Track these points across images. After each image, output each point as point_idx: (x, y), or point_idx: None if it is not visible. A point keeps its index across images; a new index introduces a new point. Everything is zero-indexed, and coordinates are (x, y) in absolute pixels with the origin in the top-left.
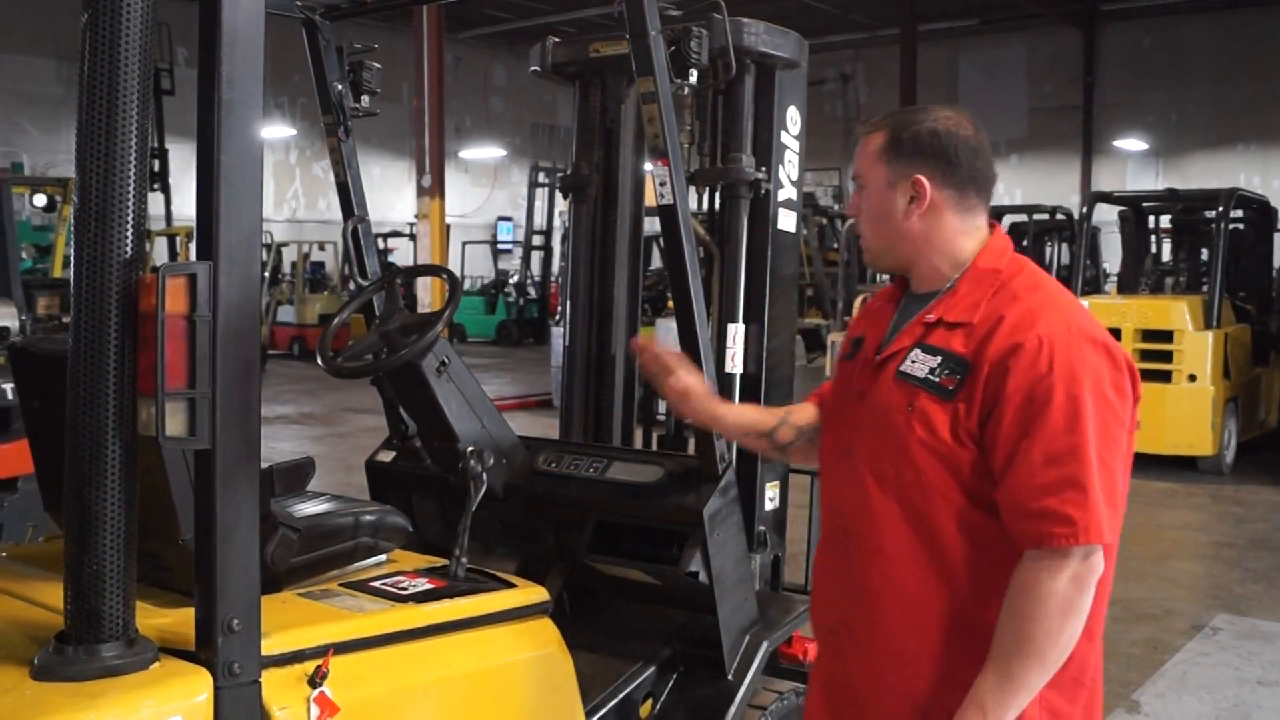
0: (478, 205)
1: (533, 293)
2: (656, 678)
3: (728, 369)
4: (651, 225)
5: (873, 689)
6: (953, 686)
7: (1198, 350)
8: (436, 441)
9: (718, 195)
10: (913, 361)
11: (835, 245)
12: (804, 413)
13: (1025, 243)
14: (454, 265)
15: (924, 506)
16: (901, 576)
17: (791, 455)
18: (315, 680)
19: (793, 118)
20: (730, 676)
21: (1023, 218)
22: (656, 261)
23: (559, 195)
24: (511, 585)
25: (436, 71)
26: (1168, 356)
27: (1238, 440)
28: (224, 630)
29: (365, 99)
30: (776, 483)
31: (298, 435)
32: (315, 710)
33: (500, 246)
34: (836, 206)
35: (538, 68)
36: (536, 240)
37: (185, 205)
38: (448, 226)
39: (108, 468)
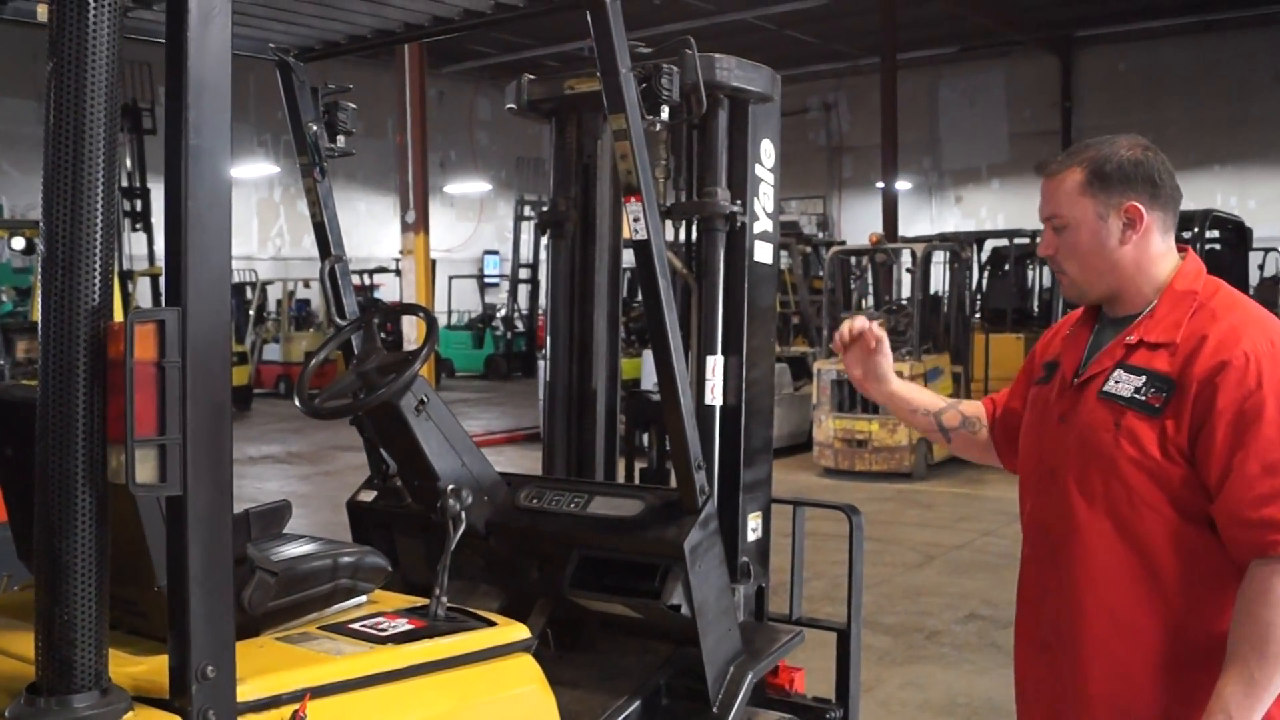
0: (464, 239)
1: (520, 326)
2: (642, 712)
3: (707, 401)
4: (631, 259)
5: (1093, 703)
6: (1170, 698)
7: None
8: (417, 480)
9: (694, 229)
10: (1116, 382)
11: (820, 274)
12: (972, 406)
13: (1007, 267)
14: (440, 300)
15: (1134, 522)
16: (1113, 591)
17: (954, 440)
18: None
19: (767, 150)
20: (716, 709)
21: (1004, 242)
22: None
23: None
24: (492, 624)
25: (419, 107)
26: None
27: None
28: (198, 677)
29: (341, 139)
30: (759, 513)
31: (284, 474)
32: None
33: (487, 280)
34: (821, 235)
35: (513, 105)
36: (523, 274)
37: None
38: (433, 261)
39: (78, 516)
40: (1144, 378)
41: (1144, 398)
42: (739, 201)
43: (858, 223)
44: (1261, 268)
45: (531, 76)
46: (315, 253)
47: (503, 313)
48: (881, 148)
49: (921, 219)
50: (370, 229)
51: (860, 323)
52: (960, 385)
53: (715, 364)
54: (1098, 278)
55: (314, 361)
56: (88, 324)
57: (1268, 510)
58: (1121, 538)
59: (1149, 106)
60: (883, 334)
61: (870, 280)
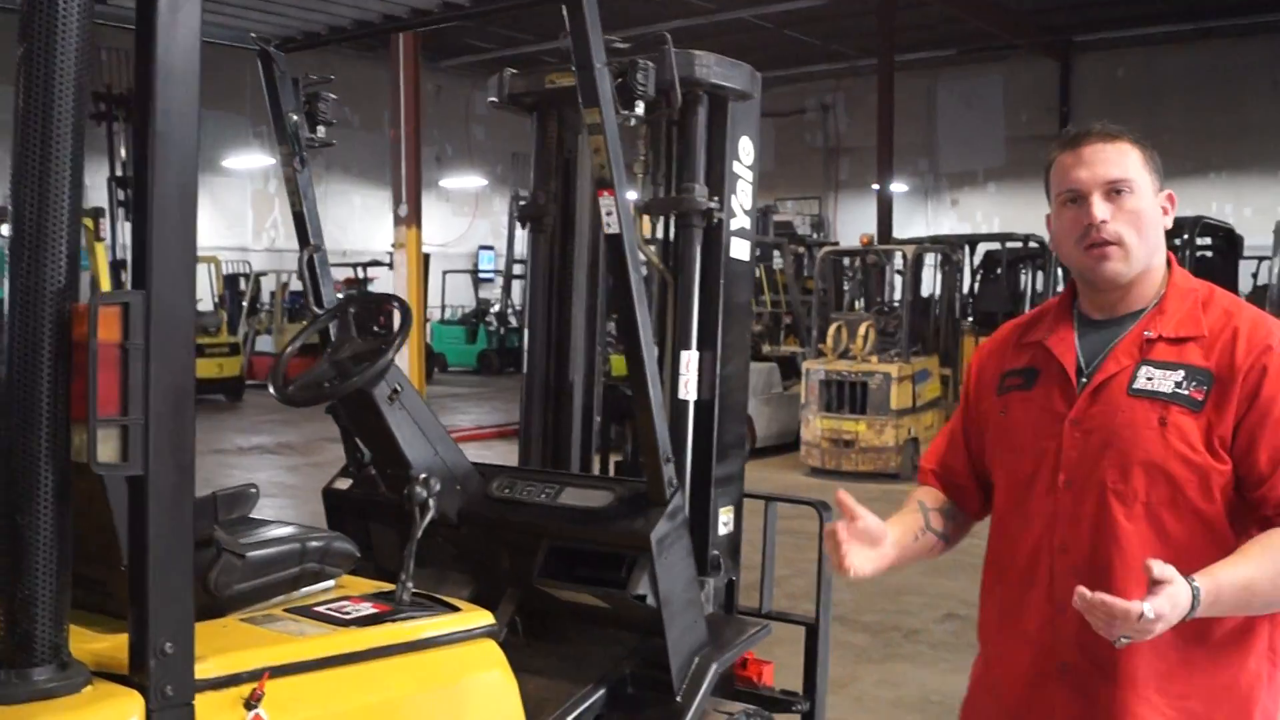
0: (459, 234)
1: (514, 321)
2: (607, 700)
3: (681, 395)
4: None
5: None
6: (1220, 701)
7: None
8: (390, 468)
9: (672, 224)
10: (1148, 379)
11: (812, 274)
12: (931, 496)
13: (999, 271)
14: (434, 294)
15: (1174, 526)
16: None
17: (951, 539)
18: (250, 703)
19: (745, 148)
20: (680, 698)
21: (996, 245)
22: None
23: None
24: (456, 610)
25: (413, 101)
26: None
27: None
28: (156, 654)
29: (321, 129)
30: (731, 508)
31: (273, 465)
32: None
33: (481, 275)
34: (817, 235)
35: (495, 99)
36: (517, 269)
37: None
38: (428, 256)
39: (40, 494)
40: (1182, 372)
41: (1187, 392)
42: (716, 198)
43: (854, 224)
44: (1255, 275)
45: (514, 70)
46: None
47: (496, 308)
48: (877, 150)
49: (917, 221)
50: (365, 222)
51: (836, 531)
52: (949, 387)
53: (690, 359)
54: (1149, 253)
55: (289, 349)
56: (53, 305)
57: None
58: (1161, 543)
59: (1147, 113)
60: (855, 512)
61: (862, 282)
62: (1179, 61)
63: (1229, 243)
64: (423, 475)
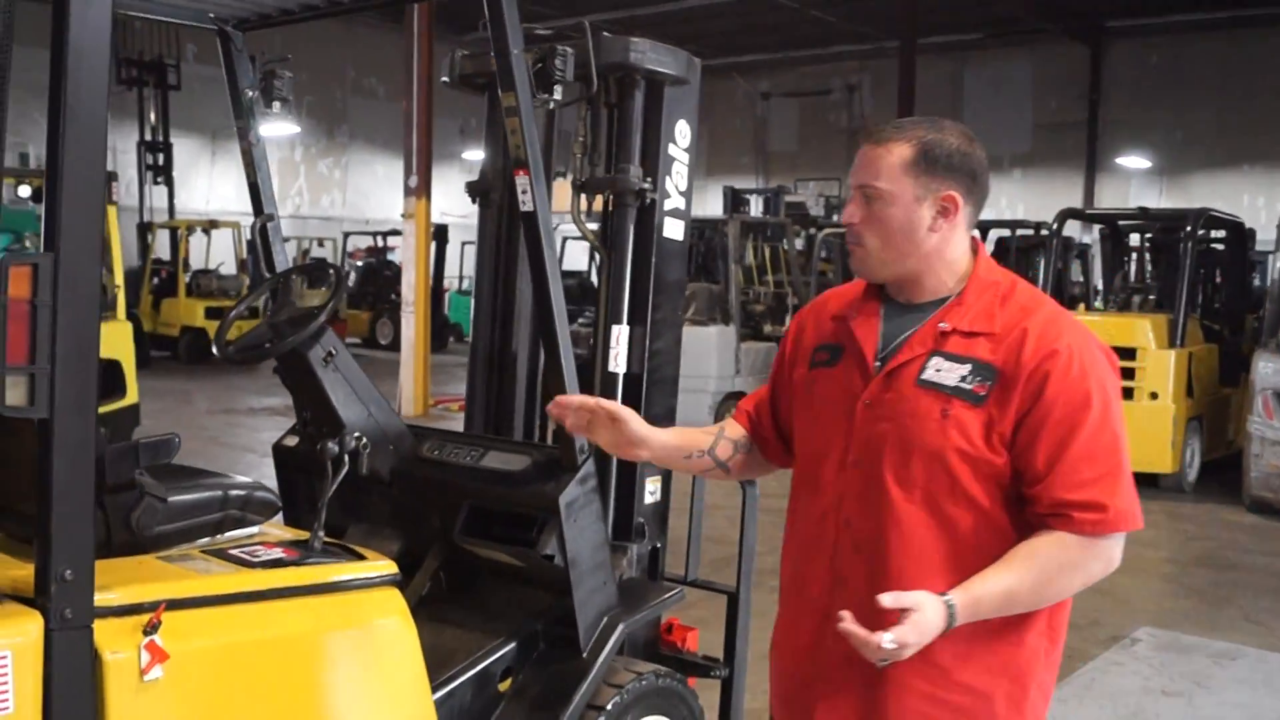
0: None
1: None
2: (517, 654)
3: (611, 368)
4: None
5: (905, 690)
6: (998, 676)
7: (1159, 369)
8: (325, 427)
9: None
10: (936, 370)
11: (825, 255)
12: (735, 429)
13: (1010, 258)
14: (452, 265)
15: (951, 513)
16: (926, 583)
17: (732, 468)
18: (146, 630)
19: (682, 131)
20: (585, 655)
21: (1007, 232)
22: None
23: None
24: (361, 558)
25: (426, 72)
26: (1130, 374)
27: (1202, 459)
28: (57, 580)
29: (277, 105)
30: (658, 477)
31: (280, 426)
32: (146, 656)
33: None
34: (836, 218)
35: (447, 79)
36: None
37: (191, 199)
38: (446, 226)
39: None
40: (969, 366)
41: (969, 386)
42: (649, 179)
43: None
44: (1254, 273)
45: (465, 52)
46: (333, 213)
47: None
48: None
49: None
50: (387, 192)
51: (578, 401)
52: None
53: (620, 333)
54: (898, 259)
55: (233, 312)
56: None
57: (1085, 494)
58: (940, 527)
59: (1178, 102)
60: (610, 404)
61: None
62: (1213, 50)
63: (1238, 236)
64: (342, 433)
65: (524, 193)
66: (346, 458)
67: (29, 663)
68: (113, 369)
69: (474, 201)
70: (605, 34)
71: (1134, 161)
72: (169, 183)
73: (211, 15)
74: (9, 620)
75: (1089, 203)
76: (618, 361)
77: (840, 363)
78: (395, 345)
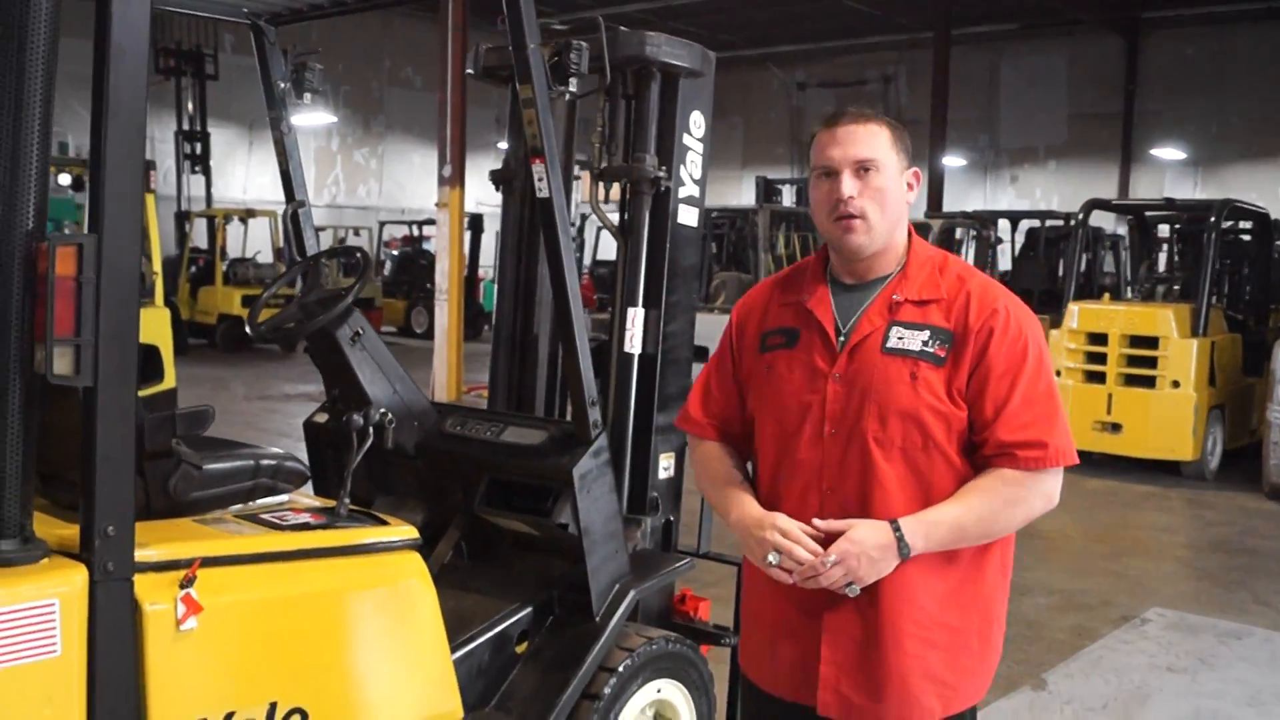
0: None
1: None
2: (533, 618)
3: (626, 349)
4: (577, 218)
5: (902, 638)
6: (969, 610)
7: (1181, 357)
8: (353, 404)
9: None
10: (899, 338)
11: None
12: (727, 452)
13: (1040, 248)
14: (487, 254)
15: (925, 465)
16: None
17: None
18: (183, 583)
19: (696, 121)
20: (597, 619)
21: (1036, 223)
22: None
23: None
24: (384, 523)
25: (459, 63)
26: (1152, 363)
27: (1224, 447)
28: (100, 535)
29: (308, 97)
30: (672, 454)
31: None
32: (182, 608)
33: None
34: None
35: (471, 70)
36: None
37: (228, 188)
38: (479, 216)
39: (9, 399)
40: (927, 332)
41: (932, 350)
42: (665, 168)
43: None
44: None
45: (489, 45)
46: (369, 202)
47: None
48: (930, 122)
49: (975, 196)
50: (422, 182)
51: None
52: None
53: (635, 315)
54: (891, 227)
55: (266, 294)
56: (22, 245)
57: (1027, 434)
58: (916, 480)
59: (1215, 93)
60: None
61: None
62: (1248, 42)
63: (1263, 227)
64: (367, 408)
65: (540, 180)
66: (371, 430)
67: (75, 611)
68: (150, 354)
69: (498, 189)
70: (622, 28)
71: (1169, 153)
72: (206, 172)
73: (245, 10)
74: (56, 572)
75: (1124, 194)
76: (633, 343)
77: (799, 344)
78: (430, 334)
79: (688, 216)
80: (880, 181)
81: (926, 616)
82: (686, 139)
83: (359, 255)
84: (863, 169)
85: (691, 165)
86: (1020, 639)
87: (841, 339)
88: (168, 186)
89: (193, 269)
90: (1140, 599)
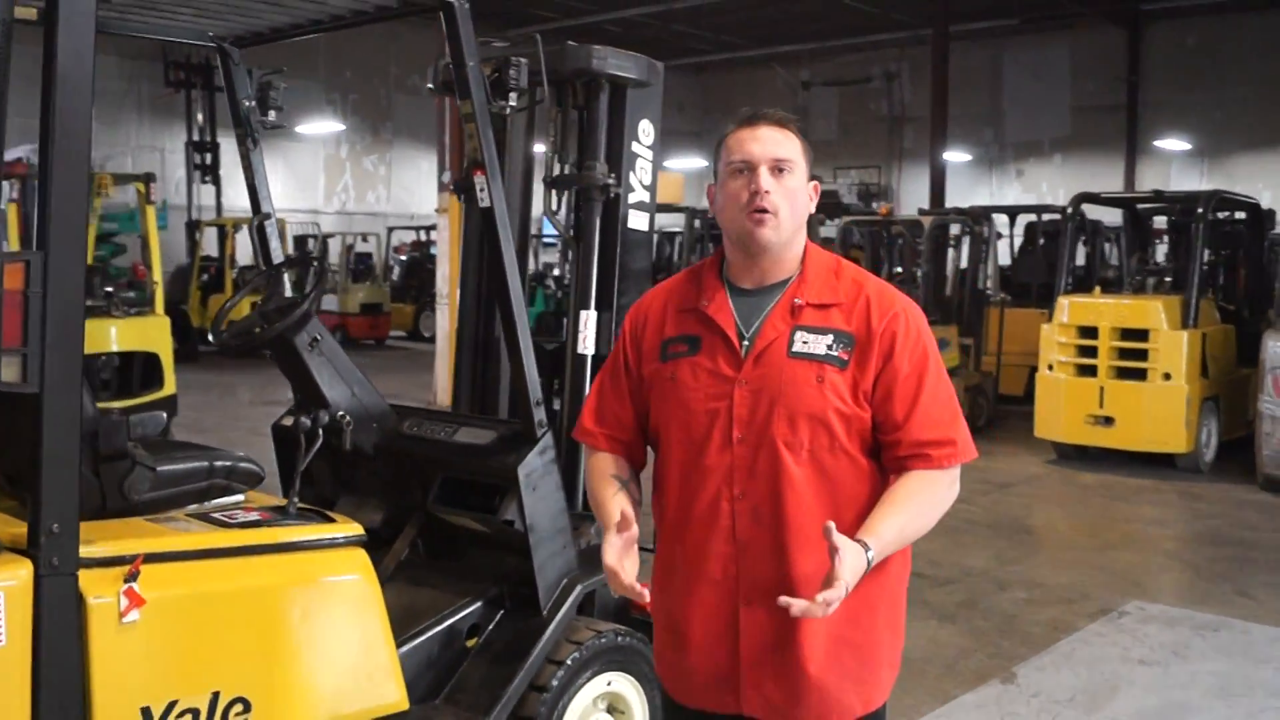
0: None
1: None
2: (483, 613)
3: (579, 350)
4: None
5: (823, 638)
6: (877, 603)
7: (1172, 349)
8: (313, 407)
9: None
10: (804, 342)
11: (856, 242)
12: (615, 463)
13: (1040, 242)
14: None
15: (832, 466)
16: (819, 531)
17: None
18: (127, 578)
19: (645, 129)
20: (545, 613)
21: (1033, 217)
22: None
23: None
24: (331, 520)
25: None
26: (1143, 355)
27: (1219, 439)
28: (46, 532)
29: (273, 114)
30: None
31: None
32: (125, 601)
33: (545, 240)
34: (875, 204)
35: (431, 85)
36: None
37: (238, 198)
38: None
39: None
40: (831, 335)
41: (836, 353)
42: (614, 174)
43: (917, 193)
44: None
45: (446, 60)
46: (378, 208)
47: (556, 272)
48: (932, 118)
49: (981, 191)
50: (430, 187)
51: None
52: (970, 356)
53: (588, 317)
54: (795, 229)
55: (230, 304)
56: None
57: (938, 433)
58: (824, 482)
59: (1217, 84)
60: (620, 548)
61: (901, 251)
62: (1251, 31)
63: (1256, 217)
64: (317, 410)
65: (481, 190)
66: (320, 432)
67: (20, 603)
68: (151, 362)
69: (459, 198)
70: (570, 43)
71: (1174, 144)
72: (216, 181)
73: (210, 35)
74: (3, 567)
75: (1130, 186)
76: (586, 344)
77: (702, 350)
78: None
79: (638, 221)
80: (793, 183)
81: (839, 615)
82: (635, 146)
83: (315, 263)
84: (779, 168)
85: (641, 172)
86: (994, 633)
87: (746, 344)
88: (179, 196)
89: (204, 277)
90: (1121, 592)
